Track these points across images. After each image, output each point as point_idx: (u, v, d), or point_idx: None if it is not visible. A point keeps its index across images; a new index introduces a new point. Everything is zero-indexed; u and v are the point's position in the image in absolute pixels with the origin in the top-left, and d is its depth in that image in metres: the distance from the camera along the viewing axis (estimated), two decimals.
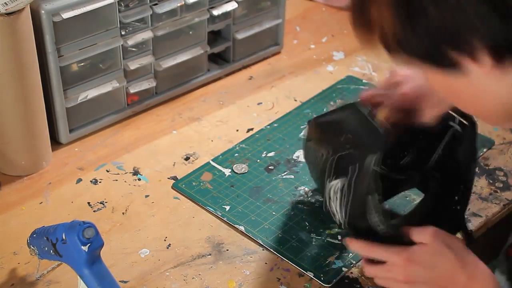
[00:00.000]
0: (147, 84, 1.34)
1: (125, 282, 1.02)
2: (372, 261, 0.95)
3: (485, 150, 1.27)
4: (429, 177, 1.06)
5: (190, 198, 1.17)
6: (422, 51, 0.75)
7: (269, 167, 1.24)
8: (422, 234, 0.91)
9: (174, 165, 1.24)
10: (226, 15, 1.41)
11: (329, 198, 1.00)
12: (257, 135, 1.31)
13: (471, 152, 1.02)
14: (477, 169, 1.22)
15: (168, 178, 1.21)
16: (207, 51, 1.41)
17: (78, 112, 1.27)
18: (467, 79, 0.75)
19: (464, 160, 1.02)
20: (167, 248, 1.08)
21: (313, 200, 1.16)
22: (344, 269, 1.05)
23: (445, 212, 1.04)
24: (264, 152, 1.27)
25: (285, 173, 1.23)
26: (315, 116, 1.14)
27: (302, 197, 1.17)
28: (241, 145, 1.29)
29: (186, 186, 1.19)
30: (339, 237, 1.10)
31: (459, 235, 1.03)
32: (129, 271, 1.04)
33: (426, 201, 1.06)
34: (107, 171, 1.23)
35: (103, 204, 1.16)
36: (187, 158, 1.26)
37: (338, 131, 1.01)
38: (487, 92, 0.76)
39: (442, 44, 0.73)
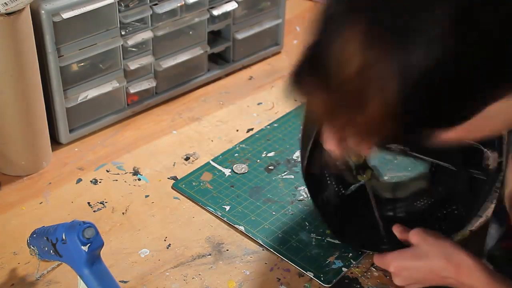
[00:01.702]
0: (147, 84, 1.34)
1: (125, 282, 1.02)
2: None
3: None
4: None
5: (190, 198, 1.17)
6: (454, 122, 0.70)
7: (269, 167, 1.24)
8: (409, 236, 0.98)
9: (174, 165, 1.24)
10: (226, 15, 1.41)
11: None
12: (257, 135, 1.31)
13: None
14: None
15: (168, 178, 1.21)
16: (207, 51, 1.41)
17: (78, 112, 1.27)
18: (487, 114, 0.71)
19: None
20: (167, 248, 1.08)
21: None
22: (344, 269, 1.05)
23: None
24: (264, 152, 1.27)
25: (285, 173, 1.23)
26: None
27: (302, 197, 1.17)
28: (241, 145, 1.29)
29: (186, 186, 1.19)
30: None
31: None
32: (129, 271, 1.04)
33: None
34: (107, 171, 1.23)
35: (103, 204, 1.16)
36: (187, 158, 1.26)
37: None
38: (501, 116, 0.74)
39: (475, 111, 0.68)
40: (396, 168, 1.21)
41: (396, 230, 1.01)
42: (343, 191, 1.09)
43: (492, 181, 1.02)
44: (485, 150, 1.02)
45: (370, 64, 0.65)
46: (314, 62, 0.71)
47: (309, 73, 0.71)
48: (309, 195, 1.09)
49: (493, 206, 1.16)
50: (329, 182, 1.09)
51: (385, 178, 1.18)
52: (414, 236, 0.97)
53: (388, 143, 0.72)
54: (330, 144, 0.98)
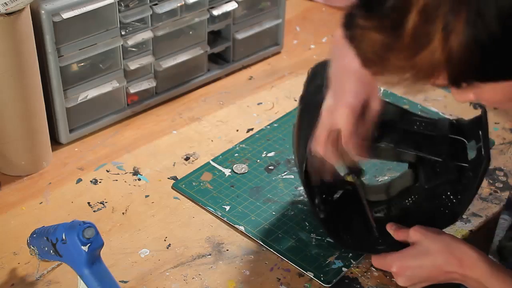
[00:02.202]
0: (147, 84, 1.34)
1: (125, 282, 1.02)
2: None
3: None
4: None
5: (190, 198, 1.17)
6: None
7: (269, 167, 1.24)
8: (407, 235, 0.98)
9: (174, 165, 1.24)
10: (226, 15, 1.41)
11: None
12: (257, 135, 1.31)
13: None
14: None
15: (168, 178, 1.21)
16: (207, 51, 1.41)
17: (78, 112, 1.27)
18: None
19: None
20: (167, 248, 1.08)
21: None
22: (344, 269, 1.05)
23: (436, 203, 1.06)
24: (264, 152, 1.27)
25: (285, 173, 1.23)
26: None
27: (302, 197, 1.17)
28: (241, 145, 1.29)
29: (186, 186, 1.19)
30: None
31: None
32: (129, 271, 1.04)
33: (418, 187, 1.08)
34: (107, 171, 1.23)
35: (103, 204, 1.16)
36: (187, 158, 1.26)
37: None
38: None
39: None
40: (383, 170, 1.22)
41: (390, 229, 1.01)
42: (330, 198, 1.09)
43: (481, 170, 1.02)
44: (468, 142, 1.04)
45: (438, 4, 0.65)
46: (372, 3, 0.70)
47: (366, 14, 0.70)
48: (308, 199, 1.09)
49: (493, 206, 1.16)
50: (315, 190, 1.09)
51: (377, 180, 1.19)
52: (414, 233, 0.97)
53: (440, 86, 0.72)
54: (319, 146, 0.98)
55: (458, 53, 0.66)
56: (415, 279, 0.95)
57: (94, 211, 1.14)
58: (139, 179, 1.21)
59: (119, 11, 1.23)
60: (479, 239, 1.13)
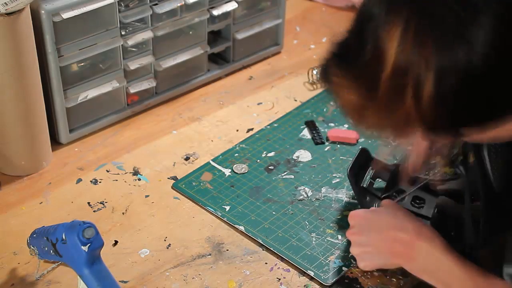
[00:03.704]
0: (147, 84, 1.34)
1: (125, 282, 1.02)
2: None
3: None
4: None
5: (190, 198, 1.17)
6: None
7: (269, 167, 1.24)
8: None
9: (174, 165, 1.24)
10: (226, 15, 1.41)
11: None
12: (257, 135, 1.31)
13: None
14: None
15: (168, 178, 1.21)
16: (207, 51, 1.41)
17: (78, 112, 1.27)
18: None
19: None
20: (167, 248, 1.08)
21: (313, 200, 1.17)
22: (344, 268, 1.05)
23: None
24: (264, 152, 1.27)
25: (285, 173, 1.23)
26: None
27: (302, 197, 1.17)
28: (241, 145, 1.29)
29: (186, 186, 1.19)
30: (339, 237, 1.10)
31: None
32: (129, 271, 1.04)
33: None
34: (107, 171, 1.23)
35: (103, 204, 1.16)
36: (187, 158, 1.26)
37: None
38: None
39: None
40: None
41: None
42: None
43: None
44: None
45: (409, 63, 0.65)
46: (346, 60, 0.71)
47: (341, 71, 0.71)
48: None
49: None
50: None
51: None
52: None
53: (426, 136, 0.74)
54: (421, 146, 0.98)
55: (430, 108, 0.66)
56: (363, 234, 0.96)
57: (94, 211, 1.14)
58: (139, 179, 1.21)
59: (119, 11, 1.23)
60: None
